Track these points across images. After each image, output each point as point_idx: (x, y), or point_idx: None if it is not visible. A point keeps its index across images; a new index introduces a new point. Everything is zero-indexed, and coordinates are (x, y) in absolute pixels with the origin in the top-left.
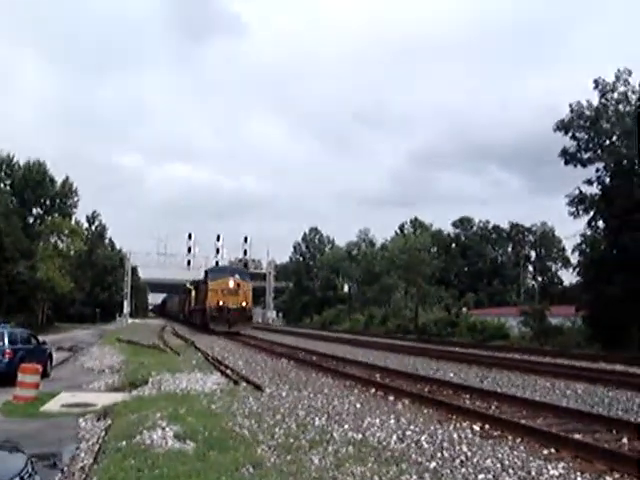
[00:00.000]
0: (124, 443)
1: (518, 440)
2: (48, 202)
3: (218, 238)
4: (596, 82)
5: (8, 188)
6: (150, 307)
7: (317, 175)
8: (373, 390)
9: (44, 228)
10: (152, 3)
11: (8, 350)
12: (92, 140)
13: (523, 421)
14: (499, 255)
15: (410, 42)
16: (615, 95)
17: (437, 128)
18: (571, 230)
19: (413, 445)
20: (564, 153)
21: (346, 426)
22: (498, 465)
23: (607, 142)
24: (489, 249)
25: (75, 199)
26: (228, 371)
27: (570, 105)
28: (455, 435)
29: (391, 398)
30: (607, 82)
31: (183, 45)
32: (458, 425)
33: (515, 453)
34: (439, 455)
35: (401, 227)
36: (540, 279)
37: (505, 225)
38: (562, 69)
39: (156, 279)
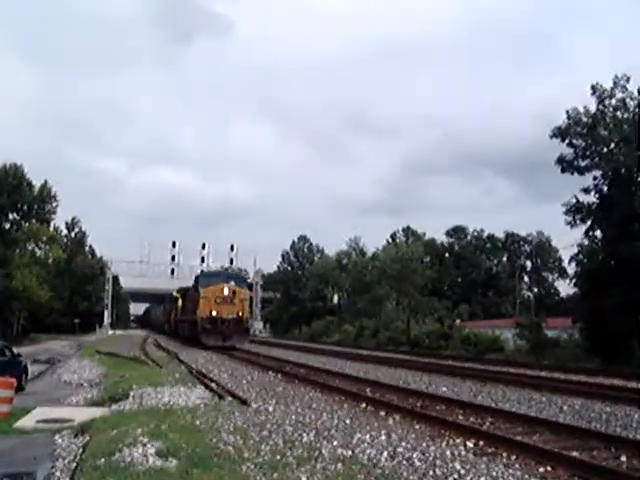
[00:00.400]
0: (103, 461)
1: (513, 457)
2: (25, 207)
3: (204, 246)
4: (594, 88)
5: None
6: (132, 318)
7: (306, 181)
8: (363, 405)
9: (21, 235)
10: (135, 2)
11: None
12: (72, 143)
13: (518, 437)
14: (494, 265)
15: (402, 46)
16: (613, 102)
17: (430, 135)
18: (568, 239)
19: (404, 462)
20: (561, 160)
21: (335, 442)
22: None
23: (605, 149)
24: (483, 259)
25: (54, 204)
26: (213, 385)
27: (567, 111)
28: (448, 452)
29: (382, 413)
30: (605, 88)
31: (167, 45)
32: (451, 441)
33: (510, 471)
34: (431, 473)
35: (393, 236)
36: (536, 290)
37: (500, 234)
38: (558, 75)
39: (139, 289)
